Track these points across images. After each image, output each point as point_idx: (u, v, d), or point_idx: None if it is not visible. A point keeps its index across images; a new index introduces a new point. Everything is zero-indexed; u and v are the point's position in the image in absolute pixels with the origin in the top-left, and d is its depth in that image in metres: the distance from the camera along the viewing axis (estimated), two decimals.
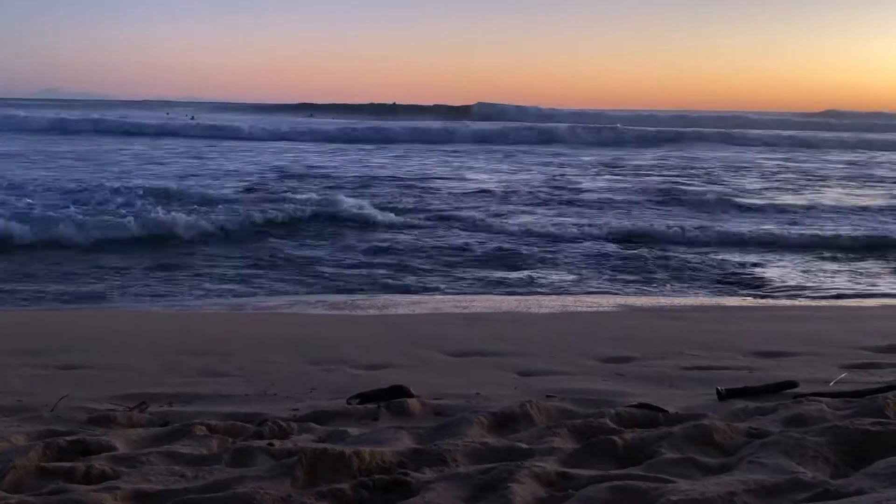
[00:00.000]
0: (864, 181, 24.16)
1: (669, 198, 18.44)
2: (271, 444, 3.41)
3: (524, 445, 3.36)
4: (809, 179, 24.26)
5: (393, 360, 5.79)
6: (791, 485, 2.68)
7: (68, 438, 3.50)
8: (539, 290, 9.66)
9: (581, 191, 19.92)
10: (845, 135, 45.84)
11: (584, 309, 8.51)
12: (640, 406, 4.05)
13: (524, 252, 11.95)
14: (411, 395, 4.39)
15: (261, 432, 3.72)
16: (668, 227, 13.86)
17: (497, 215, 15.45)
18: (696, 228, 13.84)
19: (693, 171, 26.09)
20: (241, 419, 4.06)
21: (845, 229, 14.06)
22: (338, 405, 4.35)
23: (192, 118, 52.61)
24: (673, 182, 22.22)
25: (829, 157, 33.32)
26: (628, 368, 5.55)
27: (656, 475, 2.87)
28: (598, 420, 3.69)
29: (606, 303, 8.84)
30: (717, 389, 4.54)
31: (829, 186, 22.33)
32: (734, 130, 47.03)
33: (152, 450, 3.41)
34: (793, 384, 4.66)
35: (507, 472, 2.88)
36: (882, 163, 31.51)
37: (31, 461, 3.17)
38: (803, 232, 13.71)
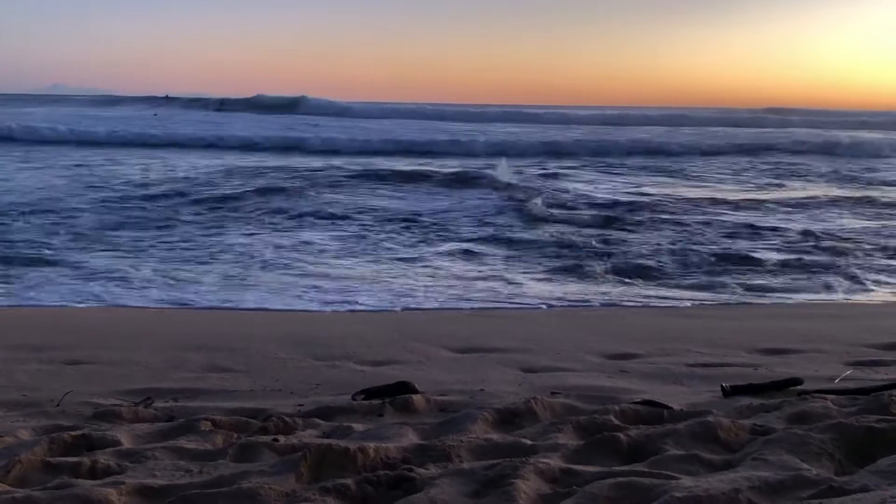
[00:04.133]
0: None
1: None
2: (276, 440, 3.41)
3: (528, 442, 3.36)
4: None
5: (397, 357, 5.80)
6: (795, 482, 2.68)
7: (73, 433, 3.51)
8: None
9: None
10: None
11: (589, 305, 8.50)
12: (645, 403, 4.06)
13: None
14: (416, 392, 4.40)
15: (265, 428, 3.73)
16: None
17: None
18: None
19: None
20: (245, 414, 4.07)
21: None
22: (342, 401, 4.36)
23: (155, 114, 51.02)
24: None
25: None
26: (633, 365, 5.55)
27: (660, 472, 2.87)
28: (602, 417, 3.70)
29: (611, 299, 8.83)
30: (722, 386, 4.54)
31: None
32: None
33: (157, 445, 3.42)
34: (797, 381, 4.65)
35: (511, 469, 2.88)
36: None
37: (36, 456, 3.19)
38: None
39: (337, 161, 24.96)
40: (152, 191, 17.27)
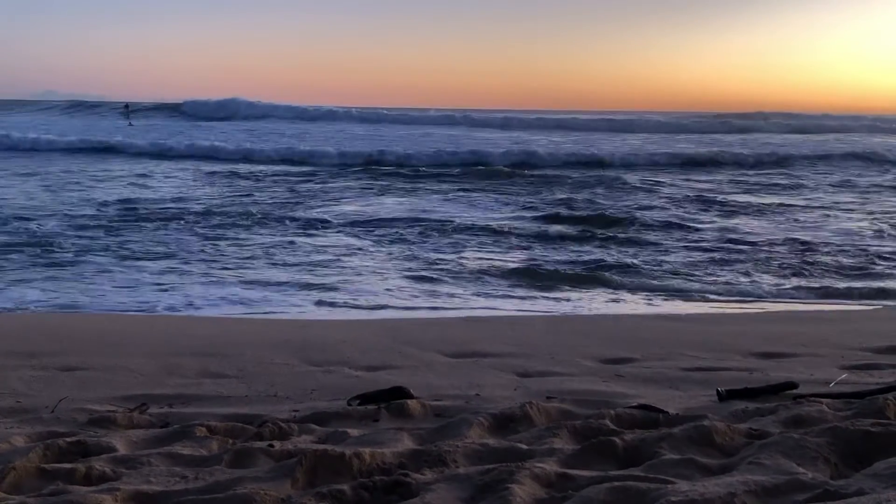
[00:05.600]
0: None
1: None
2: (271, 446, 3.41)
3: (524, 446, 3.36)
4: None
5: (393, 362, 5.79)
6: (791, 485, 2.68)
7: (68, 440, 3.50)
8: None
9: None
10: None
11: (584, 310, 8.51)
12: (640, 407, 4.06)
13: None
14: (411, 397, 4.40)
15: (261, 433, 3.72)
16: None
17: None
18: None
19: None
20: (241, 420, 4.07)
21: None
22: (338, 406, 4.36)
23: (131, 124, 49.14)
24: None
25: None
26: (628, 370, 5.55)
27: (656, 476, 2.87)
28: (598, 421, 3.70)
29: (606, 304, 8.84)
30: (717, 390, 4.55)
31: None
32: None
33: (152, 451, 3.41)
34: (793, 385, 4.66)
35: (507, 473, 2.88)
36: None
37: (31, 462, 3.18)
38: None
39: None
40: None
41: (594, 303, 8.91)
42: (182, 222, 14.08)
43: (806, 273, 10.57)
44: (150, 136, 35.95)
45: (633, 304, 8.87)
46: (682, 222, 14.77)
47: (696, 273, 10.52)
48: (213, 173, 23.60)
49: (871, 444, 3.09)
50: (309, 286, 9.47)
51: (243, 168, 25.52)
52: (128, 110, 58.61)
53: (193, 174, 23.46)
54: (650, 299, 9.12)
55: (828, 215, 16.06)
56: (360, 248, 12.13)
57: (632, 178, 22.56)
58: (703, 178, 23.78)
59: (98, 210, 15.42)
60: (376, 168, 25.48)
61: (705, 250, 12.10)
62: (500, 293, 9.28)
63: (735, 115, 63.57)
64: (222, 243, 12.20)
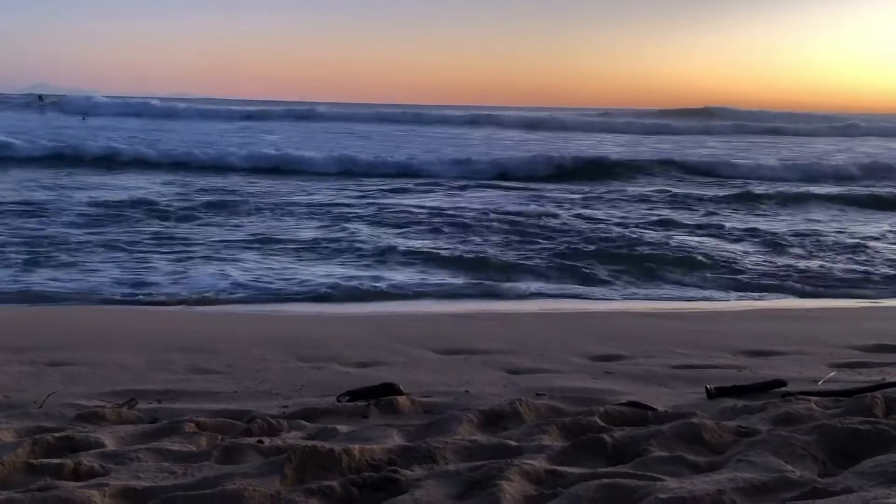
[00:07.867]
0: None
1: None
2: (260, 442, 3.40)
3: (513, 443, 3.37)
4: None
5: (382, 358, 5.79)
6: (779, 483, 2.69)
7: (57, 435, 3.49)
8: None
9: None
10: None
11: (574, 307, 8.52)
12: (630, 404, 4.07)
13: None
14: (401, 393, 4.39)
15: (250, 429, 3.71)
16: None
17: None
18: None
19: None
20: (230, 416, 4.06)
21: None
22: (327, 403, 4.35)
23: (84, 118, 46.52)
24: None
25: None
26: (618, 367, 5.56)
27: (645, 473, 2.88)
28: (587, 418, 3.70)
29: (596, 301, 8.85)
30: (707, 388, 4.56)
31: None
32: None
33: (141, 447, 3.40)
34: (781, 383, 4.68)
35: (496, 470, 2.88)
36: None
37: (19, 458, 3.17)
38: None
39: None
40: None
41: (584, 300, 8.92)
42: None
43: (795, 272, 10.62)
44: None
45: (623, 302, 8.88)
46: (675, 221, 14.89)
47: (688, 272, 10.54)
48: None
49: (858, 442, 3.11)
50: None
51: None
52: (42, 102, 57.99)
53: None
54: (639, 297, 9.14)
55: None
56: None
57: None
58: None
59: None
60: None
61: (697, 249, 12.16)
62: None
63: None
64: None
